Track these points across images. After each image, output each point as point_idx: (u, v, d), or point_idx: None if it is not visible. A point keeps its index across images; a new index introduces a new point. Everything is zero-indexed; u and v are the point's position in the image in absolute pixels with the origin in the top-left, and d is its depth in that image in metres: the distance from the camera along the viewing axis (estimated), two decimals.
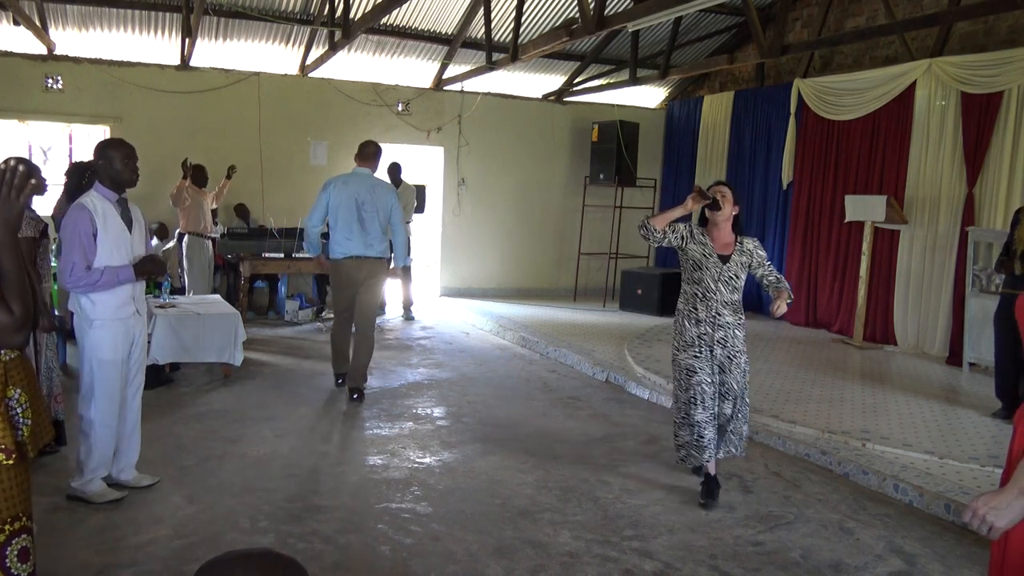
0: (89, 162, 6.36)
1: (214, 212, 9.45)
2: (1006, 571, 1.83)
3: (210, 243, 8.61)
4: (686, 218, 4.18)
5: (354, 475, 4.37)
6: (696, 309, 4.13)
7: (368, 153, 5.95)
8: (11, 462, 1.98)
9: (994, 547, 1.88)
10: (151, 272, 3.87)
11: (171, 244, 9.03)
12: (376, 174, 6.05)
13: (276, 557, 1.22)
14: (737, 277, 4.11)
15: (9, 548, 1.99)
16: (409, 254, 5.94)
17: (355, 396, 5.85)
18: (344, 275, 5.83)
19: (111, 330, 3.78)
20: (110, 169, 3.73)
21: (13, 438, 2.00)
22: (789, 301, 4.01)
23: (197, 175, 8.44)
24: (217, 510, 3.81)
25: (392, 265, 6.17)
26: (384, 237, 5.89)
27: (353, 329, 5.99)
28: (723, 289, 4.08)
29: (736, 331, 4.14)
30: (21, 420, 2.05)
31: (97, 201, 3.71)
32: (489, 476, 4.42)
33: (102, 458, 3.86)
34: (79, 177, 5.90)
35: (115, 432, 3.90)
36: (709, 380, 4.10)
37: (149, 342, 6.04)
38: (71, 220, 3.64)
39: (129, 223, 3.82)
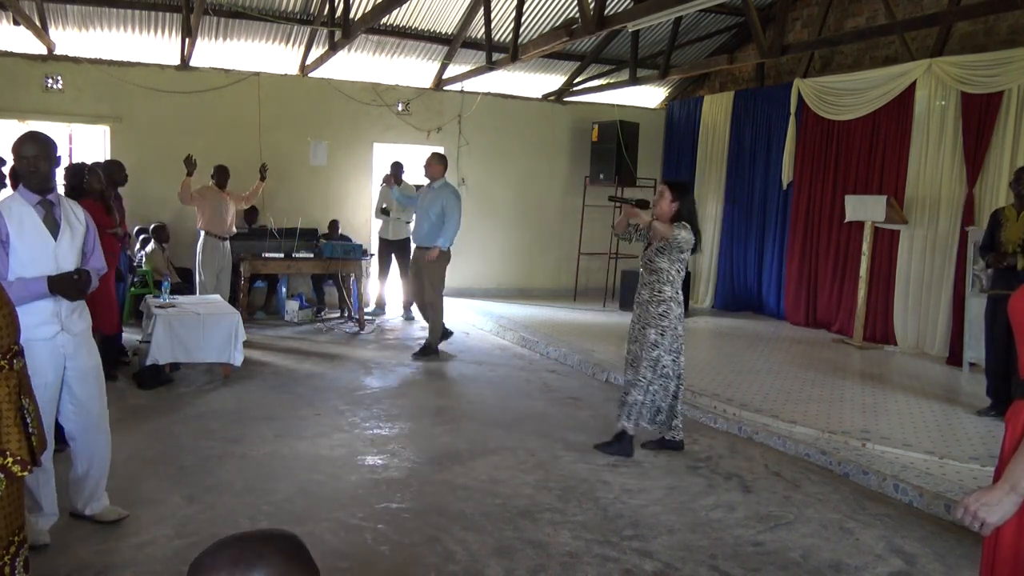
0: (88, 163, 6.40)
1: (249, 212, 9.35)
2: (996, 567, 1.84)
3: (227, 245, 8.50)
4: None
5: (354, 475, 4.37)
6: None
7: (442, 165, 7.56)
8: (27, 473, 1.95)
9: (985, 543, 1.89)
10: (64, 294, 3.23)
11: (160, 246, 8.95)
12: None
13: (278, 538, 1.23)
14: (651, 260, 4.81)
15: (18, 559, 2.00)
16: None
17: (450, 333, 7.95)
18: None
19: (31, 351, 3.00)
20: (20, 168, 3.26)
21: (28, 449, 1.97)
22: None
23: (220, 176, 8.38)
24: (217, 510, 3.81)
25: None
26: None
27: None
28: (642, 271, 4.91)
29: (648, 308, 4.81)
30: (31, 429, 2.03)
31: (14, 204, 3.22)
32: (489, 476, 4.42)
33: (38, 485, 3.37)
34: (78, 178, 5.91)
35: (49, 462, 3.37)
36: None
37: (148, 342, 6.07)
38: None
39: (56, 228, 3.26)
